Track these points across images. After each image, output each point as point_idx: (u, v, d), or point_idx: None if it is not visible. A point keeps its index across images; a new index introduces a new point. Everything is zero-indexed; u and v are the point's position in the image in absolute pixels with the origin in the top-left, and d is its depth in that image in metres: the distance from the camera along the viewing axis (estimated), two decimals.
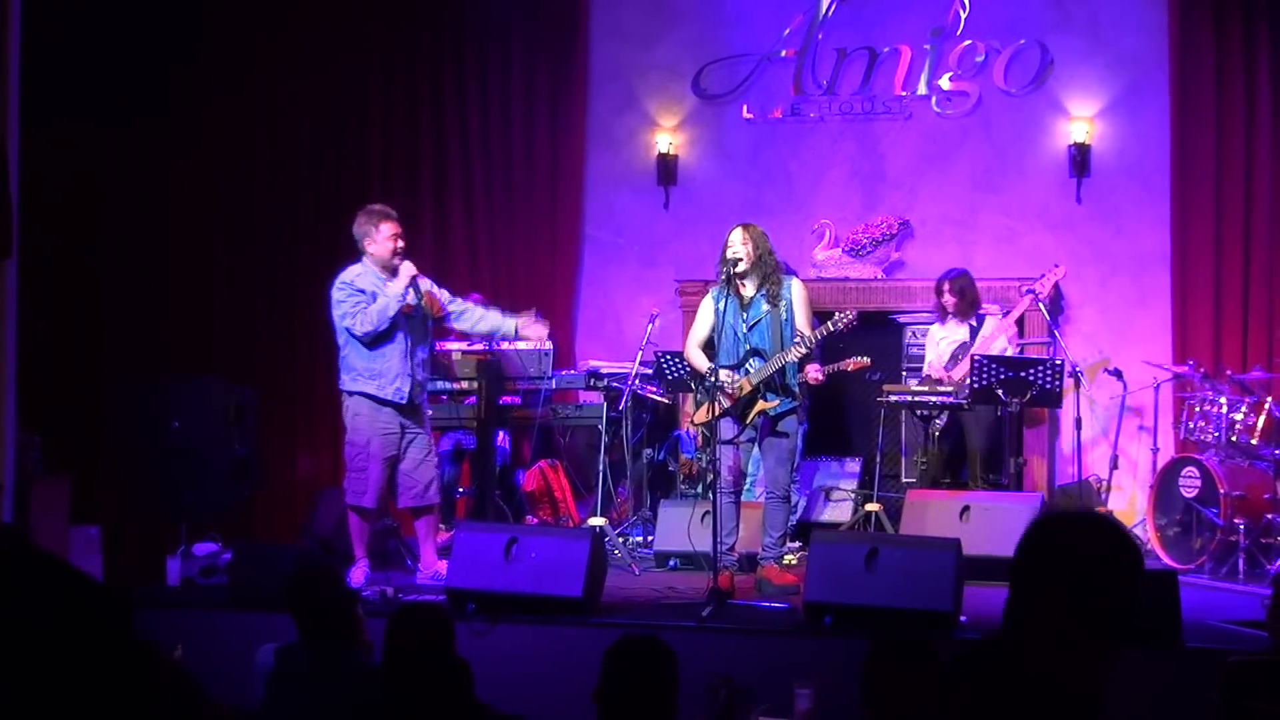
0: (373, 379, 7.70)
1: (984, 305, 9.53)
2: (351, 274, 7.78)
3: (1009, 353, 9.21)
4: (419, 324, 7.86)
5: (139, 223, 10.63)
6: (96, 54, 10.20)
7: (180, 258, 10.79)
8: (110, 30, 10.28)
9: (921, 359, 9.77)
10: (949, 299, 9.42)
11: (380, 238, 7.77)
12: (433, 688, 4.15)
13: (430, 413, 8.32)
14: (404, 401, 7.72)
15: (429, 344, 8.02)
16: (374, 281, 7.74)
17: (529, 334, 8.20)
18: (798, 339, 7.46)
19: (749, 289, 7.54)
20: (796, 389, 7.65)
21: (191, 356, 10.28)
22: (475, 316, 8.15)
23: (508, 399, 9.29)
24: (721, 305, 7.51)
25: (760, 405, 7.48)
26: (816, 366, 8.32)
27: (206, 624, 6.94)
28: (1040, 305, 9.36)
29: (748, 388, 7.44)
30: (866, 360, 9.11)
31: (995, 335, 9.25)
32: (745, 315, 7.52)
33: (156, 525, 8.77)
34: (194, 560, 8.02)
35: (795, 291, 7.60)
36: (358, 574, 7.63)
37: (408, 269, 7.74)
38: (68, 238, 10.12)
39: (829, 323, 7.65)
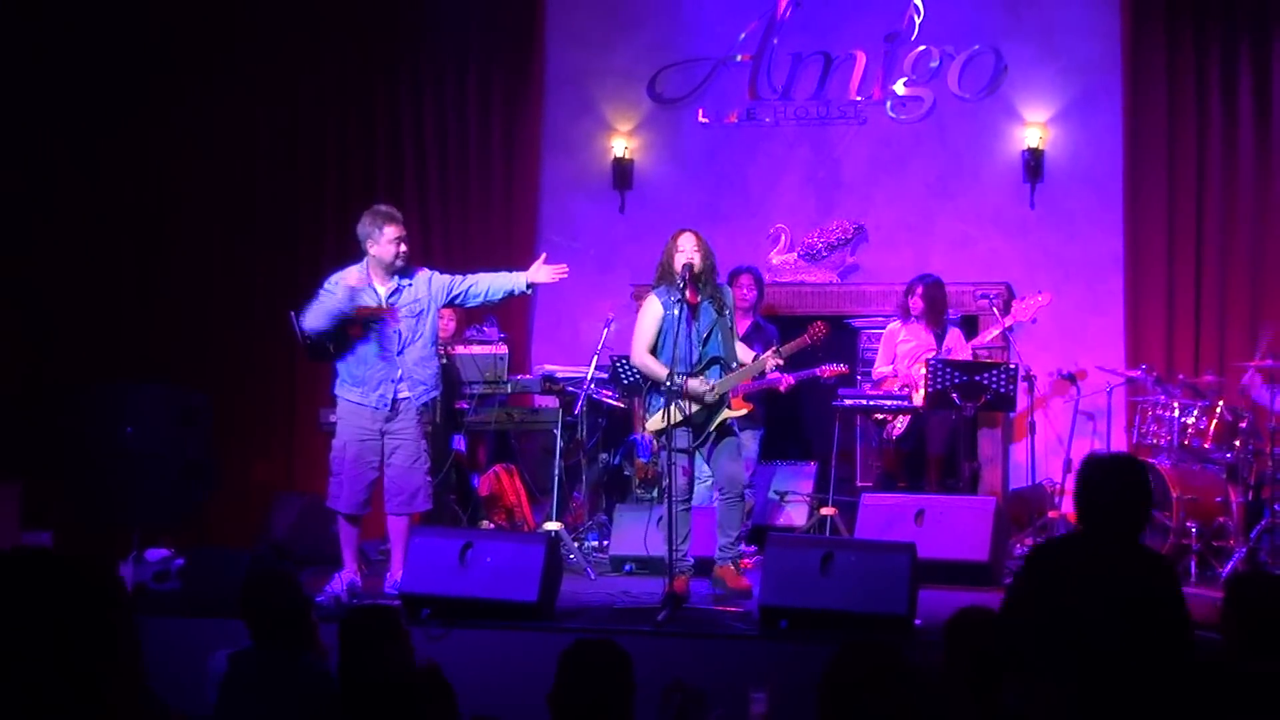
0: (356, 385, 7.60)
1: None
2: (341, 273, 7.63)
3: None
4: (399, 330, 7.59)
5: (92, 227, 10.54)
6: (56, 59, 10.12)
7: (134, 262, 10.71)
8: (68, 36, 10.20)
9: None
10: (916, 302, 9.40)
11: (383, 240, 7.56)
12: (387, 689, 4.13)
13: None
14: (386, 409, 7.58)
15: (421, 348, 7.66)
16: (350, 285, 7.56)
17: (541, 279, 7.83)
18: (774, 351, 7.48)
19: (698, 296, 7.43)
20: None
21: (145, 362, 10.20)
22: (483, 286, 7.82)
23: (462, 403, 9.25)
24: (675, 312, 7.31)
25: (727, 413, 7.44)
26: (779, 374, 8.32)
27: (159, 630, 6.86)
28: (1000, 317, 9.40)
29: (716, 394, 7.39)
30: (843, 367, 9.01)
31: (957, 353, 9.26)
32: (697, 323, 7.41)
33: (109, 531, 8.69)
34: (146, 566, 7.97)
35: (732, 300, 7.69)
36: (339, 581, 7.51)
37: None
38: (18, 242, 10.03)
39: (804, 337, 7.75)
